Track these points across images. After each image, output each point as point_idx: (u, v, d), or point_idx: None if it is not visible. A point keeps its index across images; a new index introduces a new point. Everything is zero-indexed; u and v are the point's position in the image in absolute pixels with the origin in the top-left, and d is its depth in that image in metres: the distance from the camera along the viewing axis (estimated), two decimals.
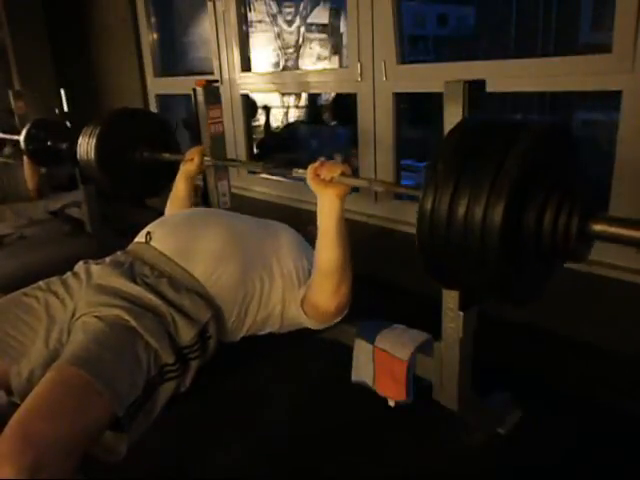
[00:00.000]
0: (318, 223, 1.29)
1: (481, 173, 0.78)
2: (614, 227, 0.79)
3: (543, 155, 0.83)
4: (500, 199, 0.75)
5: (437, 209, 0.80)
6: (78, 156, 1.98)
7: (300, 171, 1.37)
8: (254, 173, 2.92)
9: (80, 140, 1.96)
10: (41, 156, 2.83)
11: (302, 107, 5.02)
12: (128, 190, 2.07)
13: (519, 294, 0.91)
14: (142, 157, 1.96)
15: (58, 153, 2.73)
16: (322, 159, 1.28)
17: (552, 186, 0.81)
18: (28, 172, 3.00)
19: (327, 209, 1.26)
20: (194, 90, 1.80)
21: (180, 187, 1.77)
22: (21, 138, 2.76)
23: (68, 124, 2.96)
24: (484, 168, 0.78)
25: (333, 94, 4.20)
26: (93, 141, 1.90)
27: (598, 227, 0.80)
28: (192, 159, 1.75)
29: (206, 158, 1.76)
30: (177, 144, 2.09)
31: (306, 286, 1.35)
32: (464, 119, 1.06)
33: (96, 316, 1.17)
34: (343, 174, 1.23)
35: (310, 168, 1.28)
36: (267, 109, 4.81)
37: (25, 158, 2.93)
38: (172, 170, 2.04)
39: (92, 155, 1.90)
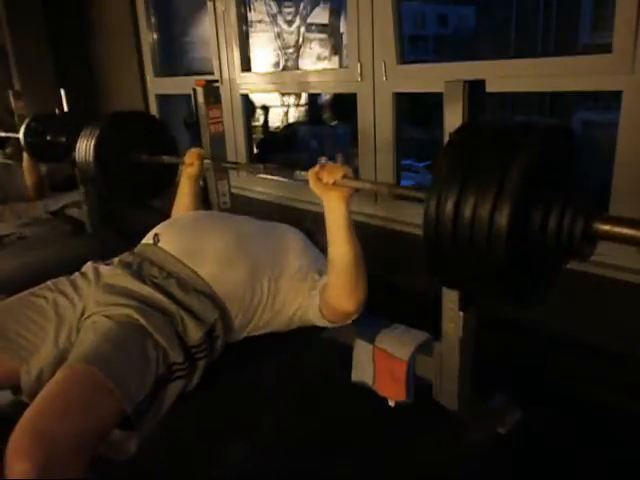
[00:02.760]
0: (327, 225, 1.28)
1: (487, 174, 0.77)
2: (618, 227, 0.78)
3: (548, 156, 0.82)
4: (507, 201, 0.75)
5: (443, 210, 0.79)
6: (77, 158, 1.96)
7: (302, 173, 1.35)
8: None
9: (79, 142, 1.94)
10: (40, 151, 2.80)
11: (302, 107, 5.02)
12: (127, 192, 2.05)
13: (522, 295, 0.91)
14: (141, 159, 1.95)
15: (57, 148, 2.72)
16: (323, 160, 1.27)
17: (557, 187, 0.81)
18: (27, 169, 2.98)
19: (333, 212, 1.26)
20: (194, 90, 1.80)
21: (185, 190, 1.76)
22: (20, 132, 2.74)
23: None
24: (490, 169, 0.78)
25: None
26: (92, 143, 1.88)
27: (602, 227, 0.79)
28: (192, 163, 1.73)
29: (206, 161, 1.75)
30: (175, 147, 2.07)
31: (319, 291, 1.33)
32: (468, 120, 1.06)
33: (106, 315, 1.18)
34: (345, 176, 1.22)
35: (311, 172, 1.26)
36: (266, 109, 4.81)
37: (25, 155, 2.91)
38: (171, 172, 2.04)
39: (91, 157, 1.88)
